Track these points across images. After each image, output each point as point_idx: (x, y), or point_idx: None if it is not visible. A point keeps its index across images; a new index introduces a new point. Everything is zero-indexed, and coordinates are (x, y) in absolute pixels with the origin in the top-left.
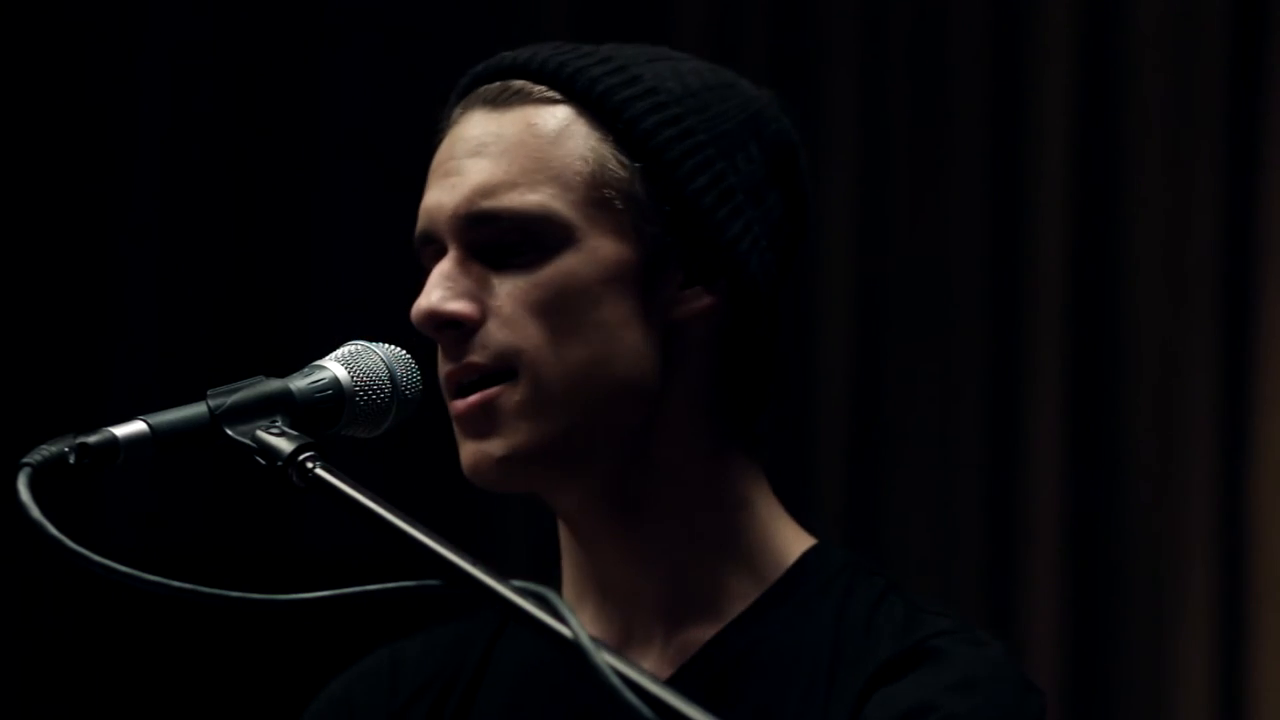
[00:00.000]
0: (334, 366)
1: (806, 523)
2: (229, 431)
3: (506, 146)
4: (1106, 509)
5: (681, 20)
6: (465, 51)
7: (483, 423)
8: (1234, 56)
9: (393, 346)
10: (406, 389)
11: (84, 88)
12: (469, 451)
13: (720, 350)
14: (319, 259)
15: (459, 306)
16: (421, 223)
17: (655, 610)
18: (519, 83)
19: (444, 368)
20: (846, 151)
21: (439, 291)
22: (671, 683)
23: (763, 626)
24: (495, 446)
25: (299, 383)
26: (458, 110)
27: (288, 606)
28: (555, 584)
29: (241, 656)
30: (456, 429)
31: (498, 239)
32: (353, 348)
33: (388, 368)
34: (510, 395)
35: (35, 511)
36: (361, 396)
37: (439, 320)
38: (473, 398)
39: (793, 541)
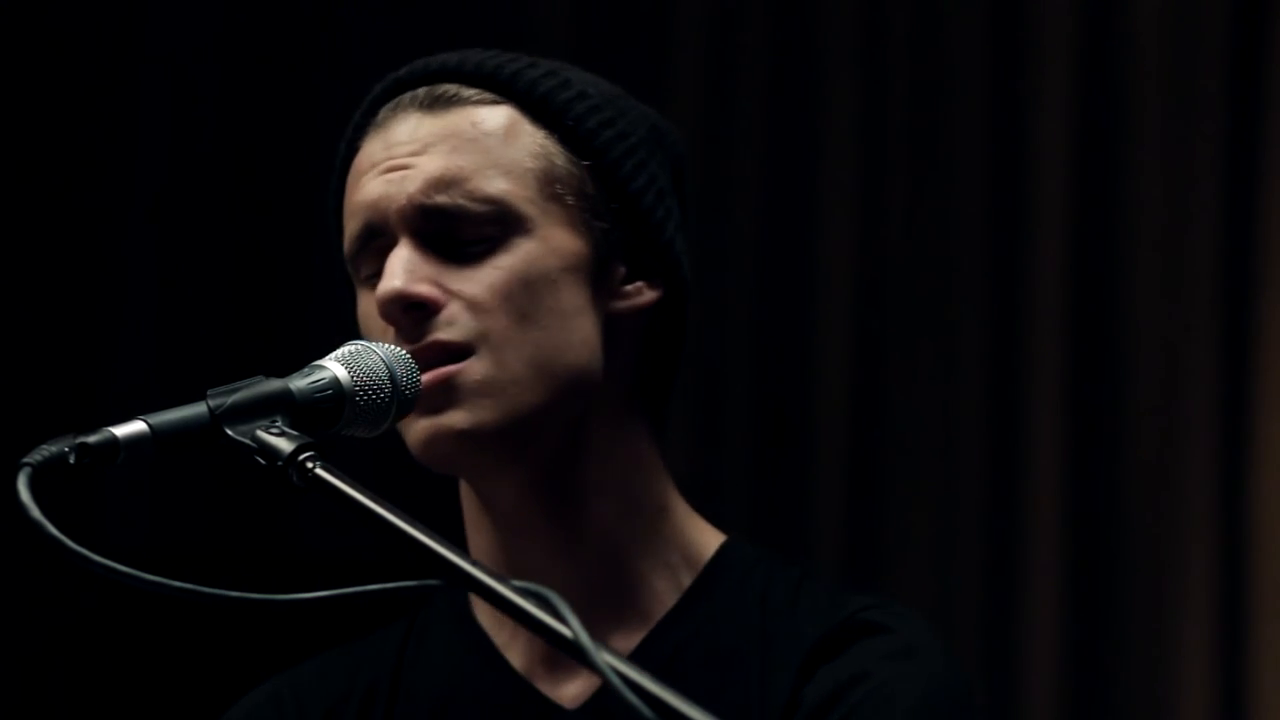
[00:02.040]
0: (334, 366)
1: (805, 525)
2: (229, 431)
3: (457, 143)
4: (1107, 509)
5: (681, 20)
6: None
7: (442, 397)
8: (1234, 57)
9: (392, 346)
10: (406, 389)
11: (84, 87)
12: (424, 426)
13: (645, 347)
14: (320, 258)
15: (425, 289)
16: (365, 216)
17: (583, 611)
18: (450, 86)
19: (403, 350)
20: (846, 151)
21: (403, 274)
22: (607, 692)
23: (690, 624)
24: (457, 419)
25: (299, 383)
26: (384, 113)
27: (288, 606)
28: None
29: (241, 656)
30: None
31: (452, 230)
32: (353, 348)
33: (388, 368)
34: (471, 372)
35: (35, 511)
36: (361, 396)
37: (406, 301)
38: (434, 372)
39: (708, 537)
